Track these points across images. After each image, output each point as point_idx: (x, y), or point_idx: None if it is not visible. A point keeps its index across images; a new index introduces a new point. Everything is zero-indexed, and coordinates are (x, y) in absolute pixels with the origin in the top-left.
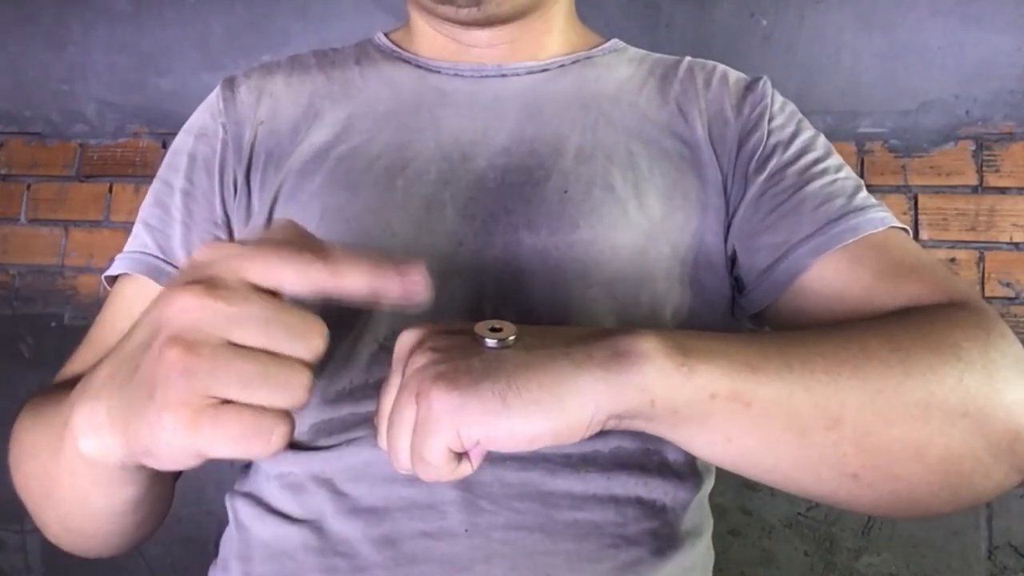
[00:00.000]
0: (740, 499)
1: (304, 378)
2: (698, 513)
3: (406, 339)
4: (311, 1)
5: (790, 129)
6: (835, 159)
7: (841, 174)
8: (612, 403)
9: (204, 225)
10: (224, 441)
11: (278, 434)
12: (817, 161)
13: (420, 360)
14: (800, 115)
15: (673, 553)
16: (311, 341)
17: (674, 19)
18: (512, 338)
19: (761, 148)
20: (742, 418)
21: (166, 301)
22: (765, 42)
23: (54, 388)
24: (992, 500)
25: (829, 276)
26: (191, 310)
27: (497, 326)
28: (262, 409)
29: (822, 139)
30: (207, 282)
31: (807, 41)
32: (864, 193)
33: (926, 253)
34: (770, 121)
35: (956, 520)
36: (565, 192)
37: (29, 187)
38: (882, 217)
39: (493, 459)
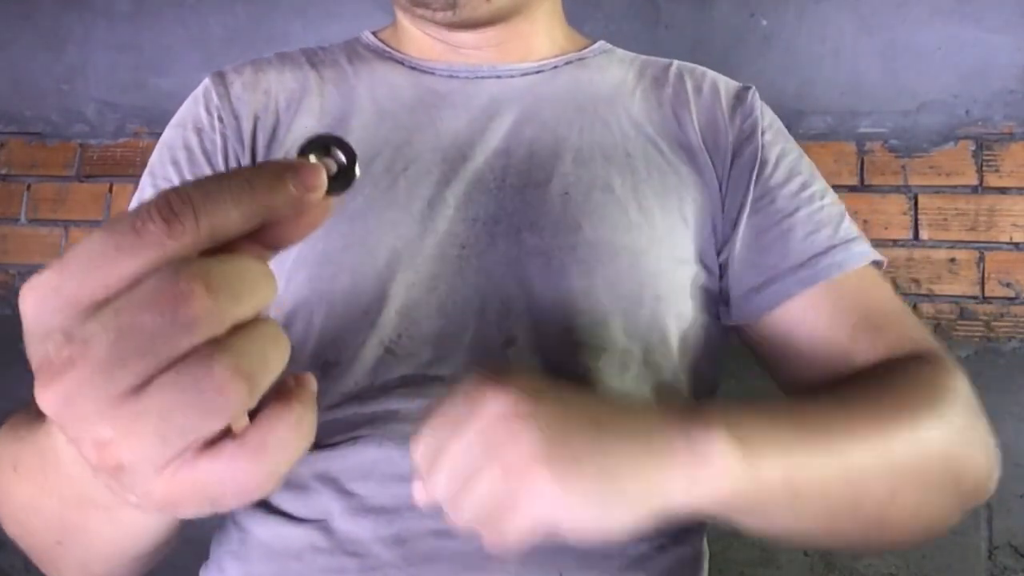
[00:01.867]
0: None
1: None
2: None
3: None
4: (311, 1)
5: (779, 147)
6: (820, 182)
7: (827, 200)
8: (683, 500)
9: None
10: (166, 432)
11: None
12: (805, 185)
13: (499, 406)
14: (784, 130)
15: (676, 547)
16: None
17: (674, 19)
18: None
19: (755, 164)
20: (787, 504)
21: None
22: (765, 42)
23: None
24: (992, 501)
25: (813, 311)
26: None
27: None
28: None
29: (806, 158)
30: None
31: (807, 41)
32: (848, 221)
33: (896, 297)
34: (762, 136)
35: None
36: (566, 194)
37: (29, 187)
38: (863, 252)
39: None
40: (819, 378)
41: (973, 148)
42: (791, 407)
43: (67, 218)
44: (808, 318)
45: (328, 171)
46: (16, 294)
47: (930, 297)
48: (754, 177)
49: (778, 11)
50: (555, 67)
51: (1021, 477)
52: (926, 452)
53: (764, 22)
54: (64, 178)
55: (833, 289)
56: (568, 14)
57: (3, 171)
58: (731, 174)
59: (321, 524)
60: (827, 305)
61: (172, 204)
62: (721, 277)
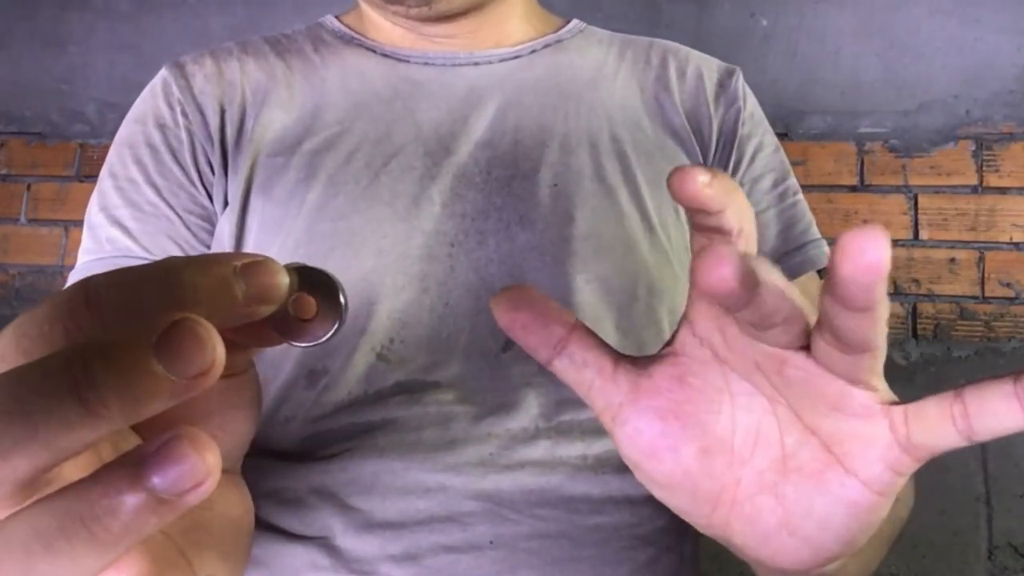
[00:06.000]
0: None
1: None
2: None
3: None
4: (311, 1)
5: (756, 140)
6: (792, 178)
7: (798, 196)
8: None
9: (188, 217)
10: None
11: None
12: (777, 182)
13: None
14: (764, 120)
15: (679, 548)
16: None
17: (674, 19)
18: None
19: (731, 158)
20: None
21: None
22: (765, 42)
23: None
24: (992, 501)
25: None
26: None
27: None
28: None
29: (780, 152)
30: None
31: (807, 41)
32: (814, 223)
33: None
34: (741, 127)
35: (956, 520)
36: (555, 185)
37: (29, 187)
38: (826, 252)
39: (511, 465)
40: None
41: (973, 148)
42: None
43: (67, 218)
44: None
45: (305, 309)
46: (16, 294)
47: (930, 297)
48: (730, 172)
49: (778, 11)
50: (533, 51)
51: (1021, 477)
52: (899, 516)
53: (764, 22)
54: (64, 178)
55: (815, 280)
56: (568, 14)
57: (3, 171)
58: (713, 165)
59: (322, 541)
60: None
61: (78, 315)
62: None
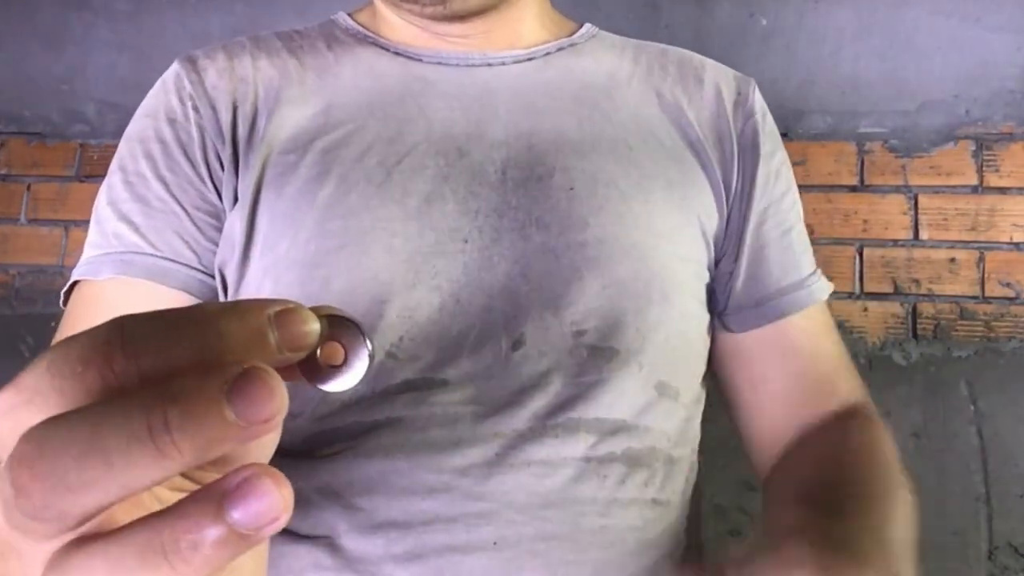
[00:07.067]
0: (740, 499)
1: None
2: (695, 507)
3: None
4: (311, 1)
5: (778, 156)
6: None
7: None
8: None
9: (196, 214)
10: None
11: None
12: (796, 201)
13: None
14: (776, 130)
15: (682, 551)
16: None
17: (674, 19)
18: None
19: (756, 174)
20: None
21: None
22: (765, 42)
23: None
24: (992, 501)
25: (807, 331)
26: None
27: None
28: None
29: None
30: None
31: (807, 41)
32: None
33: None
34: (762, 145)
35: (956, 520)
36: (571, 189)
37: (29, 187)
38: (826, 285)
39: (516, 464)
40: (785, 401)
41: (973, 148)
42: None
43: (67, 218)
44: (803, 338)
45: (333, 356)
46: (16, 294)
47: (930, 297)
48: (757, 188)
49: (778, 11)
50: (547, 53)
51: (1021, 477)
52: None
53: (764, 22)
54: (64, 178)
55: (821, 309)
56: (568, 14)
57: (3, 171)
58: (735, 181)
59: (326, 541)
60: (818, 326)
61: (113, 359)
62: (714, 280)
